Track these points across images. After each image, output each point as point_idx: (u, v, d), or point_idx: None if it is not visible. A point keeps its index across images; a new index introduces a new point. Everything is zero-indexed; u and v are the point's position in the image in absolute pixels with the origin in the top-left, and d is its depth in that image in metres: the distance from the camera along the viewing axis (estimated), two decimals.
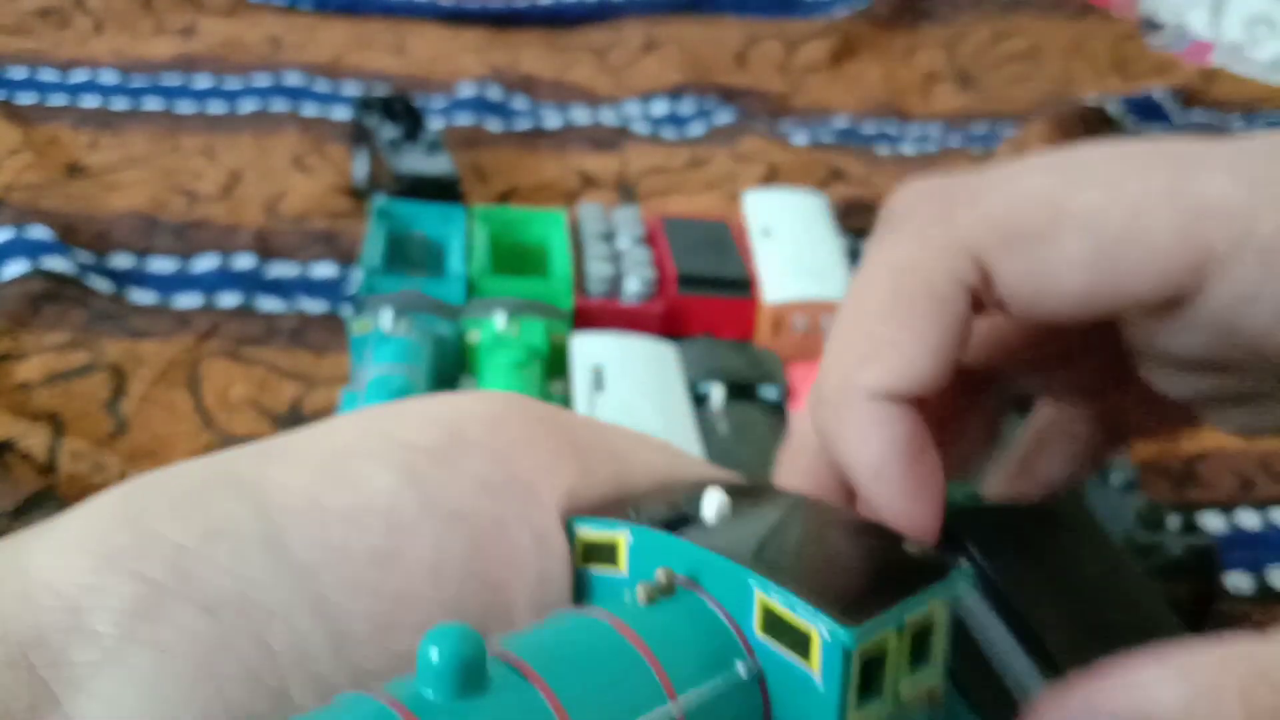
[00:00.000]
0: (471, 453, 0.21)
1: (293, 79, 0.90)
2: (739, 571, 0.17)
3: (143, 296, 0.65)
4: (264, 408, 0.58)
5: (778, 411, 0.56)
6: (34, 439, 0.52)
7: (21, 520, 0.48)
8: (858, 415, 0.24)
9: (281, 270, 0.69)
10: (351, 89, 0.90)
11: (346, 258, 0.69)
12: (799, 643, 0.16)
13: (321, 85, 0.90)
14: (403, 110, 0.75)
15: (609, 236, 0.67)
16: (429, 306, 0.57)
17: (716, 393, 0.55)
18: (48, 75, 0.87)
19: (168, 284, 0.66)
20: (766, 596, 0.16)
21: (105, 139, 0.80)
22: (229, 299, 0.65)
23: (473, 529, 0.20)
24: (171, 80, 0.89)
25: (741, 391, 0.56)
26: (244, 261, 0.68)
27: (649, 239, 0.68)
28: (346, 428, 0.22)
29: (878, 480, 0.23)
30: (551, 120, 0.91)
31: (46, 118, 0.82)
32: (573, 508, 0.21)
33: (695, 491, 0.20)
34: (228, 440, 0.55)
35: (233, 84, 0.89)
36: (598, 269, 0.63)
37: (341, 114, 0.86)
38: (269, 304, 0.66)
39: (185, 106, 0.86)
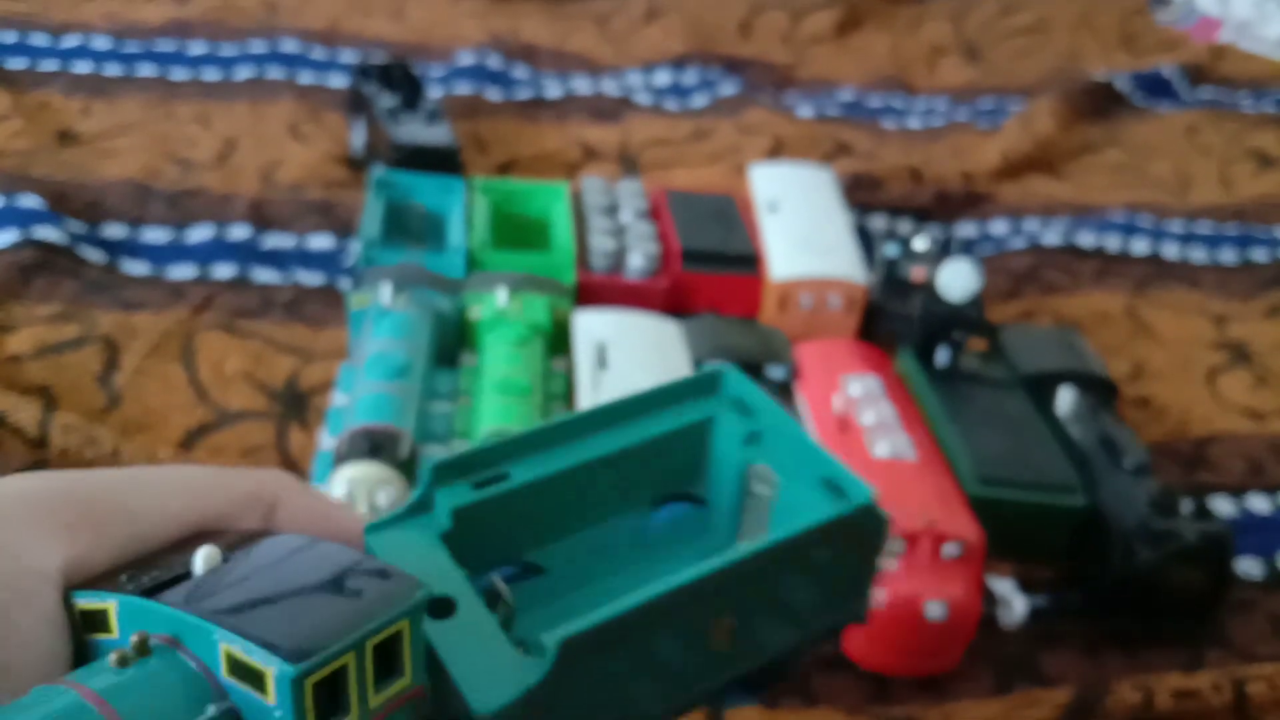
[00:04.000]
0: None
1: (289, 45, 0.88)
2: (204, 625, 0.20)
3: (136, 267, 0.64)
4: (260, 382, 0.57)
5: (784, 391, 0.54)
6: (25, 413, 0.51)
7: None
8: None
9: (277, 241, 0.67)
10: (349, 56, 0.88)
11: (343, 229, 0.68)
12: (257, 680, 0.19)
13: (318, 52, 0.88)
14: (401, 78, 0.73)
15: (612, 210, 0.65)
16: (429, 281, 0.56)
17: None
18: (39, 40, 0.85)
19: (161, 254, 0.65)
20: (228, 645, 0.19)
21: (98, 105, 0.79)
22: (224, 270, 0.64)
23: None
24: (165, 46, 0.87)
25: (747, 371, 0.54)
26: (239, 232, 0.67)
27: (652, 212, 0.66)
28: None
29: None
30: (552, 89, 0.90)
31: (37, 83, 0.80)
32: (79, 577, 0.22)
33: (196, 546, 0.22)
34: (223, 414, 0.54)
35: (228, 50, 0.87)
36: (601, 243, 0.61)
37: (338, 81, 0.84)
38: (265, 275, 0.64)
39: (179, 73, 0.84)
